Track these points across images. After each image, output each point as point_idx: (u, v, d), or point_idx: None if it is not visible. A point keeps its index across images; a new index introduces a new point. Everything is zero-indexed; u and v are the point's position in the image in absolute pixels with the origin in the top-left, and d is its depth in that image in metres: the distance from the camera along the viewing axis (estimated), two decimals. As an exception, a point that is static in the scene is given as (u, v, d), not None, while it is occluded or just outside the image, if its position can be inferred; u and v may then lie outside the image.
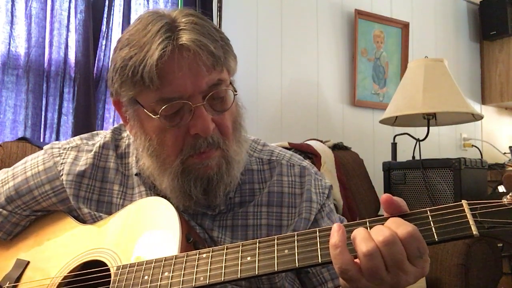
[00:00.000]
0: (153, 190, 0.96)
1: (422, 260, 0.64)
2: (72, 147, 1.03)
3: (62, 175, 0.99)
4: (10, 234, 1.04)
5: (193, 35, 0.82)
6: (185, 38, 0.82)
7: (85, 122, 2.01)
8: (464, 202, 0.64)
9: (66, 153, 1.01)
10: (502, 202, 0.62)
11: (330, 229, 0.68)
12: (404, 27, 3.22)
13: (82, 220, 0.99)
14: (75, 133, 1.97)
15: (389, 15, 3.16)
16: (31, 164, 1.02)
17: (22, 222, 1.04)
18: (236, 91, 0.90)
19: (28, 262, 0.99)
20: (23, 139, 1.73)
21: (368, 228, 0.67)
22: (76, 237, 0.97)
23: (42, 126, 1.97)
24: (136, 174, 0.98)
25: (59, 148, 1.03)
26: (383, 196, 0.68)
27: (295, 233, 0.70)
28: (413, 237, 0.63)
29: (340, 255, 0.64)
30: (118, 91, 0.88)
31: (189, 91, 0.83)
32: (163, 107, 0.83)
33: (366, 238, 0.64)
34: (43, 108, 1.97)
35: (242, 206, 0.96)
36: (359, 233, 0.65)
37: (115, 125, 1.06)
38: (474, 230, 0.61)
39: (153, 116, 0.85)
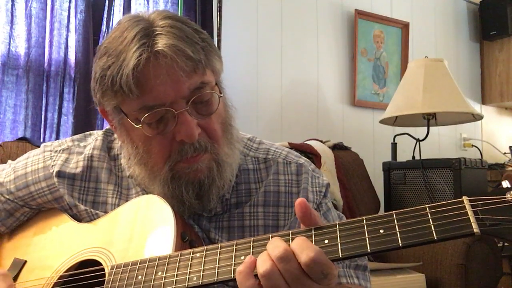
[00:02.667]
0: (147, 192, 0.95)
1: (327, 279, 0.64)
2: (63, 149, 1.02)
3: (53, 177, 0.99)
4: (3, 223, 1.04)
5: (169, 40, 0.80)
6: (161, 44, 0.80)
7: (85, 122, 2.01)
8: (465, 198, 0.61)
9: (57, 156, 1.01)
10: (505, 198, 0.58)
11: (326, 227, 0.68)
12: (404, 27, 3.21)
13: (79, 218, 0.99)
14: (75, 133, 1.96)
15: (389, 15, 3.16)
16: (33, 161, 1.03)
17: (17, 214, 1.04)
18: (221, 93, 0.89)
19: (25, 262, 0.99)
20: (23, 139, 1.74)
21: (290, 240, 0.67)
22: (73, 236, 0.97)
23: (42, 126, 1.97)
24: (129, 176, 0.97)
25: (50, 151, 1.02)
26: (299, 200, 0.69)
27: (290, 231, 0.69)
28: (315, 262, 0.63)
29: (244, 280, 0.66)
30: (101, 101, 0.87)
31: (170, 98, 0.81)
32: (146, 115, 0.82)
33: (263, 260, 0.65)
34: (43, 108, 1.97)
35: (239, 206, 0.95)
36: (260, 255, 0.67)
37: (108, 126, 1.05)
38: (475, 228, 0.58)
39: (136, 126, 0.84)
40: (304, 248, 0.64)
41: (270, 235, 0.70)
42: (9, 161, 1.10)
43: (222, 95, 0.89)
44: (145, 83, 0.80)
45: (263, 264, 0.65)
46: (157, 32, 0.81)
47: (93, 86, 0.88)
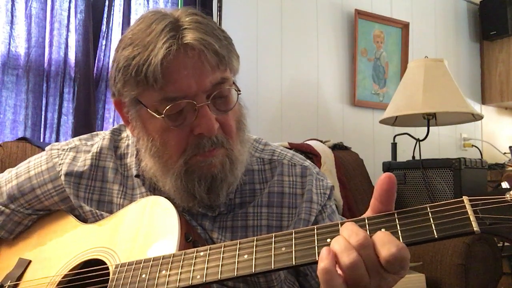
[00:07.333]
0: (153, 192, 0.95)
1: (403, 270, 0.61)
2: (70, 148, 1.03)
3: (61, 175, 0.99)
4: (12, 233, 1.04)
5: (197, 34, 0.81)
6: (189, 37, 0.81)
7: (85, 122, 2.01)
8: (465, 198, 0.62)
9: (65, 154, 1.01)
10: (505, 198, 0.59)
11: (328, 226, 0.68)
12: (404, 27, 3.22)
13: (84, 218, 0.99)
14: (75, 133, 1.97)
15: (389, 15, 3.16)
16: (35, 164, 1.03)
17: (25, 221, 1.04)
18: (239, 90, 0.90)
19: (30, 261, 0.99)
20: (23, 139, 1.74)
21: (367, 225, 0.65)
22: (77, 236, 0.97)
23: (42, 126, 1.97)
24: (136, 176, 0.97)
25: (57, 149, 1.03)
26: (386, 175, 0.64)
27: (293, 230, 0.70)
28: (397, 259, 0.59)
29: (331, 281, 0.61)
30: (121, 91, 0.87)
31: (193, 90, 0.82)
32: (167, 107, 0.82)
33: (345, 248, 0.61)
34: (43, 108, 1.97)
35: (243, 207, 0.96)
36: (338, 243, 0.62)
37: (115, 126, 1.06)
38: (475, 227, 0.59)
39: (157, 116, 0.84)
40: (385, 243, 0.60)
41: (274, 235, 0.70)
42: (8, 169, 1.09)
43: (240, 92, 0.90)
44: (171, 74, 0.81)
45: (347, 254, 0.60)
46: (185, 26, 0.83)
47: (113, 75, 0.87)
